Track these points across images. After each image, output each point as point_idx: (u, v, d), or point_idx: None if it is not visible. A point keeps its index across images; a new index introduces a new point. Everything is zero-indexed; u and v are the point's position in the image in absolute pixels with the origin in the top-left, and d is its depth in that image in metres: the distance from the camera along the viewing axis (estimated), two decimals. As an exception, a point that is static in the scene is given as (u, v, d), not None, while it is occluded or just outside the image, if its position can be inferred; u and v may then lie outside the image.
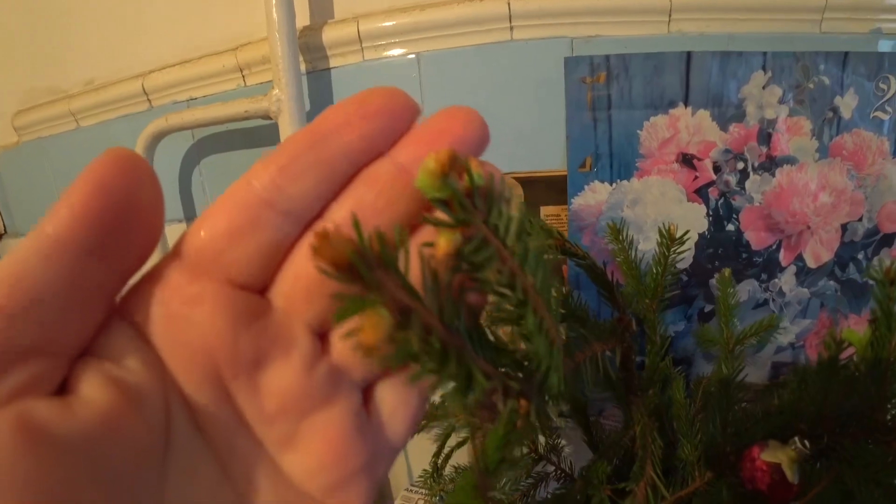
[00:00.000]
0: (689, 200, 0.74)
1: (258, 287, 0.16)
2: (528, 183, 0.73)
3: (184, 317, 0.15)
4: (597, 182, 0.73)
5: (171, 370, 0.15)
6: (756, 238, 0.75)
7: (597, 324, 0.49)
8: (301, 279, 0.16)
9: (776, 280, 0.78)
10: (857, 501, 0.30)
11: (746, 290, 0.77)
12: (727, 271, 0.54)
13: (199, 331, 0.15)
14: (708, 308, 0.78)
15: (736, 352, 0.47)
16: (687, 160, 0.73)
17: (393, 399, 0.18)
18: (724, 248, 0.76)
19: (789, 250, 0.77)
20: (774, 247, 0.76)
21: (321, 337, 0.17)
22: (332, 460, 0.16)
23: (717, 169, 0.73)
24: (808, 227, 0.76)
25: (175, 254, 0.15)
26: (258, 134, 0.77)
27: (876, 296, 0.30)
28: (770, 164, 0.73)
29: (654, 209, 0.74)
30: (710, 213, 0.74)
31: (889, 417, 0.31)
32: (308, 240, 0.16)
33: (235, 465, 0.16)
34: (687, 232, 0.52)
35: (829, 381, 0.32)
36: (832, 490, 0.32)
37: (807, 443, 0.32)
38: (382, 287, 0.12)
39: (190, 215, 0.85)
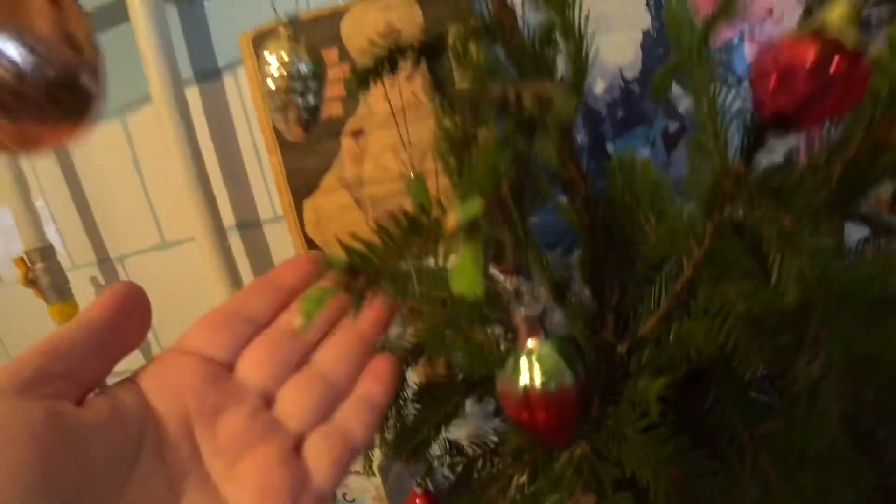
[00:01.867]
0: (622, -9, 0.61)
1: (227, 363, 0.24)
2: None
3: (170, 376, 0.22)
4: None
5: (155, 409, 0.21)
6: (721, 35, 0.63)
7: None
8: (256, 359, 0.24)
9: (745, 84, 0.66)
10: None
11: (711, 96, 0.64)
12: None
13: (180, 385, 0.22)
14: (673, 126, 0.64)
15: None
16: (611, -61, 0.60)
17: (321, 447, 0.23)
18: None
19: (754, 44, 0.65)
20: (736, 41, 0.64)
21: (268, 399, 0.24)
22: (264, 491, 0.21)
23: (648, -53, 0.60)
24: (771, 14, 0.64)
25: (173, 345, 0.24)
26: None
27: None
28: (710, -65, 0.61)
29: (587, 4, 0.60)
30: (651, 3, 0.61)
31: None
32: (262, 335, 0.24)
33: (186, 490, 0.21)
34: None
35: None
36: None
37: None
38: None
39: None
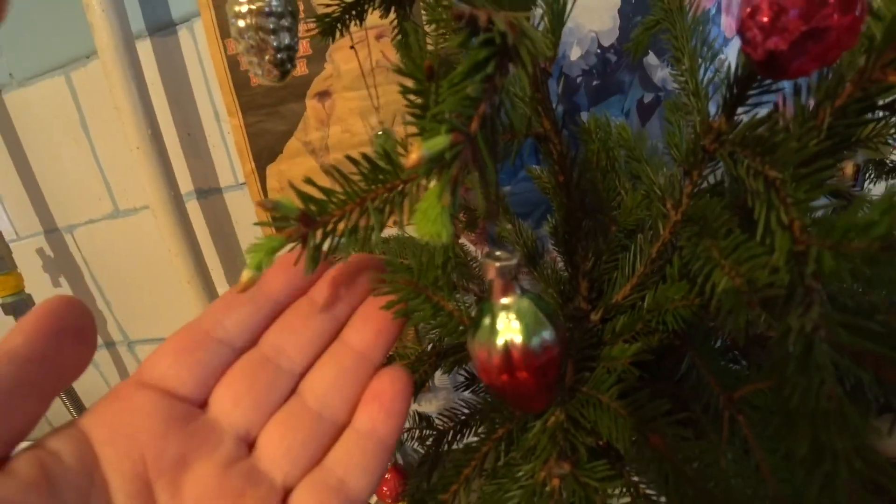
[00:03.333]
0: (601, -48, 0.59)
1: (196, 398, 0.19)
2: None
3: (123, 419, 0.18)
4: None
5: (103, 465, 0.17)
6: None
7: None
8: (233, 392, 0.19)
9: (721, 56, 0.64)
10: None
11: (688, 66, 0.63)
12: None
13: (134, 429, 0.17)
14: (648, 97, 0.63)
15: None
16: None
17: (312, 502, 0.18)
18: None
19: (730, 15, 0.64)
20: (714, 9, 0.63)
21: (248, 442, 0.19)
22: None
23: None
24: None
25: (132, 376, 0.19)
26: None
27: None
28: None
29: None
30: (630, -34, 0.59)
31: None
32: (241, 360, 0.20)
33: None
34: None
35: None
36: None
37: None
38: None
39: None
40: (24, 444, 0.16)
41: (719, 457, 0.22)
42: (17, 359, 0.16)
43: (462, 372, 0.47)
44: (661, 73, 0.63)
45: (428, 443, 0.45)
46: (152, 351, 0.19)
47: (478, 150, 0.19)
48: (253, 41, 0.27)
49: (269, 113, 0.63)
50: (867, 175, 0.51)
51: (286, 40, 0.29)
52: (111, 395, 0.18)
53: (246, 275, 0.17)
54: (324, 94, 0.62)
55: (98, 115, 0.70)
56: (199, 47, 0.63)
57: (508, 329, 0.20)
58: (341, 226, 0.19)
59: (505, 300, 0.20)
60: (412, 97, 0.19)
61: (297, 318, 0.20)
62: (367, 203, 0.20)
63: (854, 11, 0.21)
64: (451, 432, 0.44)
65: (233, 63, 0.62)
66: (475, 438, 0.31)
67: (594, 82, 0.63)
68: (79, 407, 0.75)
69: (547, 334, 0.20)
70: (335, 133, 0.63)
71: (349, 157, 0.20)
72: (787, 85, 0.29)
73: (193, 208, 0.70)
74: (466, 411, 0.44)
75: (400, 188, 0.20)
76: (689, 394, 0.30)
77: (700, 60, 0.34)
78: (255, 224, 0.19)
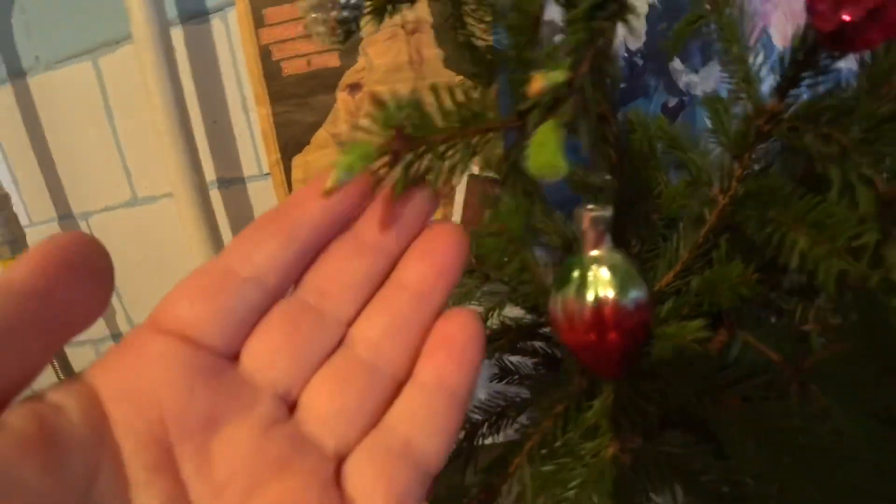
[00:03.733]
0: (632, -42, 0.61)
1: (224, 350, 0.16)
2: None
3: (138, 371, 0.15)
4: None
5: (115, 425, 0.14)
6: None
7: None
8: (269, 344, 0.16)
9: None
10: None
11: (712, 74, 0.65)
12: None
13: (151, 383, 0.15)
14: (672, 101, 0.64)
15: None
16: None
17: (373, 472, 0.15)
18: (679, 21, 0.62)
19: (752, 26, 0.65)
20: None
21: (289, 402, 0.16)
22: None
23: (658, -83, 0.60)
24: (770, -3, 0.65)
25: (145, 322, 0.16)
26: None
27: None
28: None
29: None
30: (658, -26, 0.61)
31: None
32: (278, 307, 0.16)
33: None
34: None
35: None
36: None
37: None
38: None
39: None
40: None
41: (808, 419, 0.21)
42: (16, 292, 0.13)
43: (497, 363, 0.46)
44: (685, 78, 0.64)
45: (459, 437, 0.44)
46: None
47: (586, 92, 0.19)
48: None
49: (299, 104, 0.63)
50: None
51: (353, 1, 0.29)
52: (123, 344, 0.15)
53: (333, 177, 0.16)
54: (355, 87, 0.62)
55: (122, 101, 0.70)
56: (231, 36, 0.64)
57: (600, 283, 0.19)
58: (428, 156, 0.19)
59: (596, 252, 0.20)
60: (518, 34, 0.19)
61: (343, 255, 0.17)
62: (458, 139, 0.20)
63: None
64: (486, 425, 0.43)
65: (265, 53, 0.62)
66: (532, 423, 0.31)
67: (621, 85, 0.64)
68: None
69: (639, 292, 0.20)
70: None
71: (449, 90, 0.20)
72: (847, 66, 0.30)
73: (215, 197, 0.70)
74: (502, 403, 0.43)
75: (489, 132, 0.21)
76: (745, 371, 0.30)
77: (749, 48, 0.35)
78: (354, 126, 0.17)
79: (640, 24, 0.63)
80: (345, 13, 0.28)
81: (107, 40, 0.67)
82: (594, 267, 0.19)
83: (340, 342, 0.17)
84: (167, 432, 0.14)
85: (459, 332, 0.17)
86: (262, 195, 0.70)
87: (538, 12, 0.20)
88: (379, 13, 0.39)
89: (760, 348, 0.29)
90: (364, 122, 0.17)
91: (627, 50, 0.64)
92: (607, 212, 0.19)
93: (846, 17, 0.23)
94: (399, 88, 0.61)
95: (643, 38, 0.63)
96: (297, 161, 0.65)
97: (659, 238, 0.40)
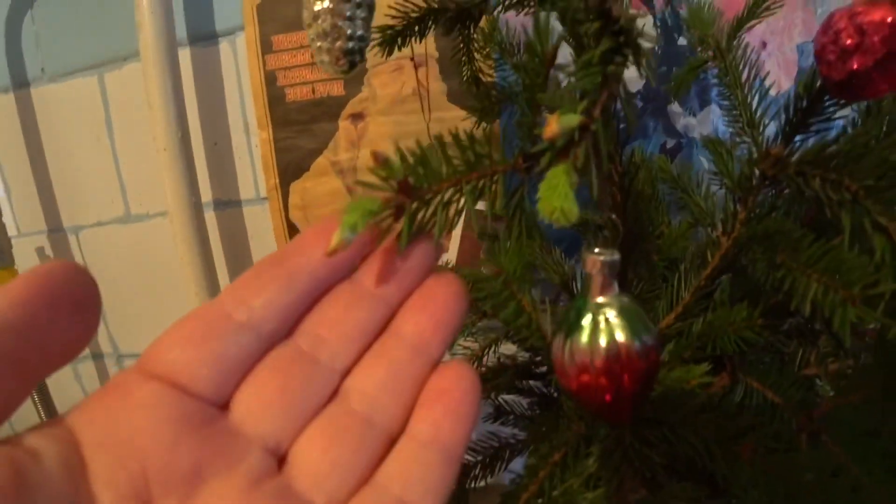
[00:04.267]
0: (632, 8, 0.62)
1: (215, 398, 0.15)
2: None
3: (122, 418, 0.14)
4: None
5: (93, 475, 0.13)
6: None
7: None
8: (261, 393, 0.15)
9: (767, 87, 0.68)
10: None
11: (709, 118, 0.66)
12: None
13: (135, 432, 0.14)
14: (671, 143, 0.65)
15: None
16: (626, -44, 0.61)
17: None
18: (678, 66, 0.64)
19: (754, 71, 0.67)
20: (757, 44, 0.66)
21: (278, 456, 0.16)
22: None
23: (660, -31, 0.62)
24: (765, 46, 0.67)
25: (134, 364, 0.15)
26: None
27: None
28: (717, -35, 0.63)
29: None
30: (658, 22, 0.63)
31: None
32: (273, 354, 0.16)
33: None
34: None
35: None
36: None
37: None
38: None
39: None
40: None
41: (805, 471, 0.21)
42: None
43: (491, 402, 0.45)
44: (683, 120, 0.65)
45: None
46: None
47: (598, 135, 0.19)
48: (327, 25, 0.28)
49: (301, 130, 0.63)
50: None
51: (360, 31, 0.29)
52: (108, 387, 0.15)
53: (337, 236, 0.16)
54: (357, 117, 0.63)
55: (125, 117, 0.70)
56: (238, 60, 0.64)
57: (613, 328, 0.19)
58: (436, 202, 0.19)
59: (604, 298, 0.20)
60: (532, 77, 0.19)
61: (341, 303, 0.17)
62: (463, 184, 0.19)
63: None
64: (479, 466, 0.42)
65: (270, 78, 0.63)
66: (529, 470, 0.30)
67: (620, 125, 0.65)
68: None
69: (649, 335, 0.19)
70: (364, 155, 0.64)
71: (453, 135, 0.20)
72: (853, 111, 0.30)
73: (210, 219, 0.69)
74: (496, 444, 0.42)
75: (494, 175, 0.20)
76: (755, 420, 0.29)
77: (752, 93, 0.36)
78: (357, 183, 0.17)
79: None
80: (350, 44, 0.28)
81: (114, 56, 0.68)
82: (604, 312, 0.19)
83: (335, 392, 0.16)
84: (149, 485, 0.13)
85: (455, 385, 0.16)
86: (258, 219, 0.69)
87: (552, 54, 0.20)
88: (388, 45, 0.39)
89: (766, 394, 0.28)
90: (367, 178, 0.17)
91: (627, 92, 0.65)
92: (615, 256, 0.19)
93: (854, 67, 0.24)
94: (402, 120, 0.61)
95: (642, 82, 0.64)
96: (296, 187, 0.65)
97: (660, 279, 0.40)
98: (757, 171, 0.30)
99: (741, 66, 0.39)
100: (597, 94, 0.18)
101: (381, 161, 0.17)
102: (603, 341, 0.18)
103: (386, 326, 0.17)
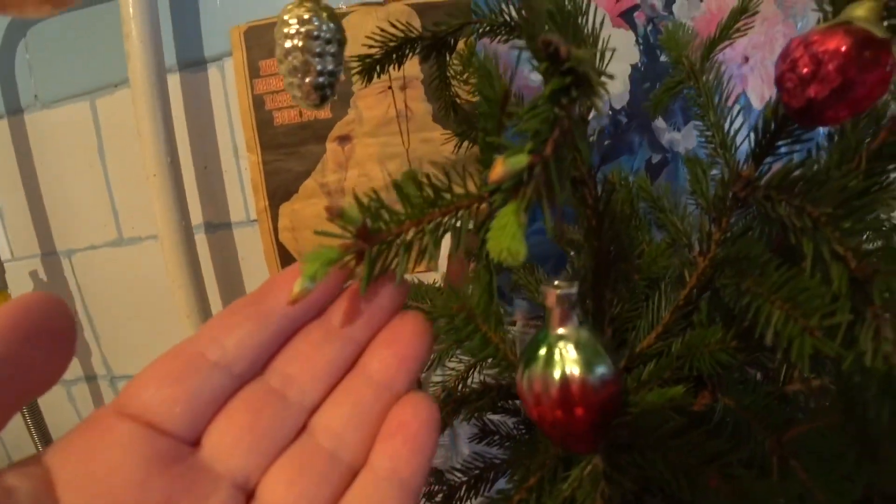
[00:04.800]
0: (613, 26, 0.63)
1: (187, 435, 0.16)
2: (428, 8, 0.60)
3: (96, 456, 0.15)
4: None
5: None
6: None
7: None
8: (231, 430, 0.16)
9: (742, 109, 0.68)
10: None
11: (692, 133, 0.67)
12: (674, 24, 0.42)
13: (108, 469, 0.14)
14: (656, 157, 0.66)
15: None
16: (607, -23, 0.62)
17: None
18: (661, 81, 0.65)
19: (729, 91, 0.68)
20: (736, 67, 0.67)
21: (247, 491, 0.16)
22: None
23: (641, -12, 0.63)
24: (747, 61, 0.68)
25: (111, 403, 0.16)
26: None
27: None
28: (697, -16, 0.65)
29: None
30: (640, 40, 0.64)
31: None
32: (244, 391, 0.17)
33: None
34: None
35: None
36: None
37: None
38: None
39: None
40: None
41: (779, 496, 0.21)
42: None
43: (476, 422, 0.45)
44: (668, 135, 0.66)
45: (437, 499, 0.42)
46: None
47: (550, 173, 0.20)
48: (297, 62, 0.28)
49: (289, 153, 0.64)
50: None
51: (330, 66, 0.30)
52: (83, 426, 0.15)
53: (298, 285, 0.16)
54: (344, 139, 0.63)
55: (117, 142, 0.71)
56: (226, 85, 0.65)
57: (567, 361, 0.19)
58: (396, 245, 0.19)
59: (563, 330, 0.20)
60: (485, 120, 0.20)
61: (310, 342, 0.18)
62: (424, 224, 0.20)
63: (884, 66, 0.22)
64: (465, 487, 0.42)
65: (258, 102, 0.63)
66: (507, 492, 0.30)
67: (605, 142, 0.65)
68: (49, 444, 0.70)
69: (606, 369, 0.19)
70: (352, 177, 0.64)
71: (413, 178, 0.20)
72: (820, 133, 0.30)
73: (201, 241, 0.70)
74: (481, 465, 0.42)
75: (456, 213, 0.21)
76: (726, 444, 0.29)
77: (725, 114, 0.36)
78: (317, 233, 0.17)
79: (625, 85, 0.65)
80: (320, 79, 0.29)
81: (106, 83, 0.68)
82: (561, 344, 0.19)
83: (303, 428, 0.17)
84: None
85: (414, 418, 0.17)
86: (249, 241, 0.70)
87: (503, 99, 0.20)
88: (367, 73, 0.40)
89: (742, 415, 0.29)
90: (327, 228, 0.17)
91: (612, 108, 0.66)
92: (573, 289, 0.19)
93: (812, 95, 0.24)
94: (388, 141, 0.62)
95: (627, 98, 0.65)
96: (284, 209, 0.66)
97: (641, 298, 0.40)
98: (729, 193, 0.31)
99: (715, 87, 0.39)
100: (547, 133, 0.18)
101: (335, 214, 0.18)
102: (557, 373, 0.19)
103: (354, 364, 0.18)
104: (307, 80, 0.28)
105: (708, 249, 0.33)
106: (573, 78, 0.19)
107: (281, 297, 0.17)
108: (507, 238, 0.17)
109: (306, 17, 0.27)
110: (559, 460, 0.27)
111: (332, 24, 0.28)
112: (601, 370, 0.19)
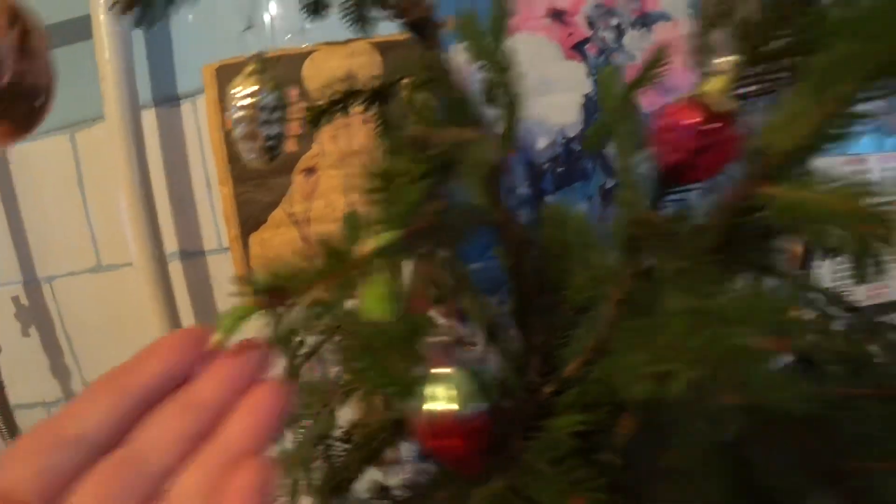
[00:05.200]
0: (566, 59, 0.67)
1: None
2: (389, 47, 0.63)
3: None
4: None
5: None
6: (645, 99, 0.69)
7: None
8: (84, 501, 0.17)
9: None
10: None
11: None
12: (608, 68, 0.45)
13: None
14: (610, 183, 0.69)
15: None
16: (557, 15, 0.66)
17: None
18: (613, 113, 0.68)
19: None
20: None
21: None
22: None
23: (591, 25, 0.67)
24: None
25: None
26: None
27: None
28: (645, 20, 0.68)
29: (531, 68, 0.65)
30: (593, 71, 0.67)
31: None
32: (101, 463, 0.17)
33: None
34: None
35: None
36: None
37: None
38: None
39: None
40: None
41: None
42: None
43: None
44: (620, 165, 0.69)
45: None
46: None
47: (436, 238, 0.23)
48: (246, 130, 0.32)
49: (258, 184, 0.67)
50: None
51: (275, 130, 0.33)
52: None
53: (214, 339, 0.19)
54: (310, 171, 0.67)
55: (95, 173, 0.74)
56: (199, 120, 0.69)
57: (439, 397, 0.22)
58: (305, 301, 0.22)
59: (437, 371, 0.23)
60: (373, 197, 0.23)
61: (169, 413, 0.19)
62: (330, 284, 0.23)
63: (730, 133, 0.26)
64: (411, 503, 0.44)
65: (229, 137, 0.67)
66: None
67: (559, 169, 0.69)
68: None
69: (476, 403, 0.23)
70: (318, 207, 0.67)
71: (319, 240, 0.23)
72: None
73: (176, 268, 0.72)
74: (423, 482, 0.44)
75: (356, 271, 0.24)
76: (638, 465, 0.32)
77: (633, 158, 0.39)
78: (230, 295, 0.20)
79: (578, 115, 0.68)
80: (269, 142, 0.32)
81: (84, 117, 0.72)
82: (435, 383, 0.22)
83: (156, 495, 0.18)
84: None
85: (248, 482, 0.18)
86: (221, 268, 0.73)
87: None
88: (314, 122, 0.43)
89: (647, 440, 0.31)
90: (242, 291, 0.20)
91: (565, 137, 0.69)
92: (444, 339, 0.22)
93: (674, 159, 0.28)
94: (351, 173, 0.65)
95: (580, 126, 0.68)
96: (255, 238, 0.69)
97: (571, 327, 0.43)
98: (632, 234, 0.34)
99: (636, 132, 0.42)
100: (418, 209, 0.21)
101: (245, 280, 0.21)
102: (429, 408, 0.22)
103: (212, 430, 0.19)
104: (257, 143, 0.31)
105: (623, 284, 0.36)
106: (440, 162, 0.22)
107: (141, 372, 0.18)
108: (376, 301, 0.20)
109: (254, 89, 0.30)
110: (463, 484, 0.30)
111: (276, 95, 0.31)
112: (470, 405, 0.22)
